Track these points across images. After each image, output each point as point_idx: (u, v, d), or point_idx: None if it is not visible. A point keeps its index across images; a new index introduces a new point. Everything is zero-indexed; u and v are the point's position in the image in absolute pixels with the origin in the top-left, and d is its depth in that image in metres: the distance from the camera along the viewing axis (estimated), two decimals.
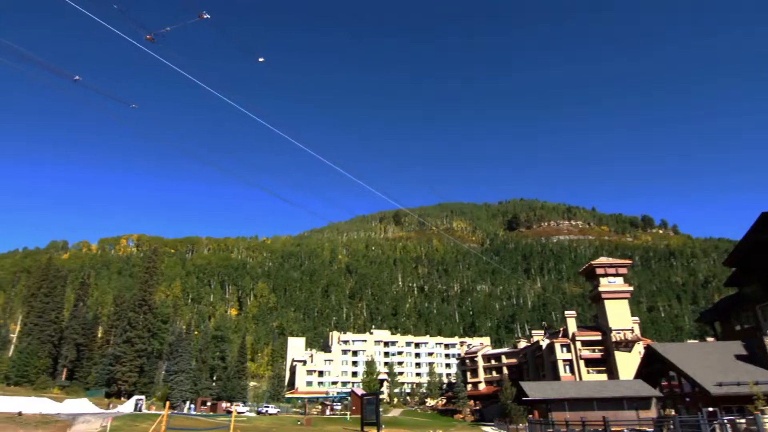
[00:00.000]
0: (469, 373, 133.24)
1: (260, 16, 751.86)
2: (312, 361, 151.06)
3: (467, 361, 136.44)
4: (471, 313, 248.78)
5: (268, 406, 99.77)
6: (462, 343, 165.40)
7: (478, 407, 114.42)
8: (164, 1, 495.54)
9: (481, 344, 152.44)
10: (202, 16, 16.49)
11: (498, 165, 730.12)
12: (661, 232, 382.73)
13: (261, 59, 21.75)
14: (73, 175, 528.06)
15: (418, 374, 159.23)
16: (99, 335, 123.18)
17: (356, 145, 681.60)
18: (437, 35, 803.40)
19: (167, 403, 67.21)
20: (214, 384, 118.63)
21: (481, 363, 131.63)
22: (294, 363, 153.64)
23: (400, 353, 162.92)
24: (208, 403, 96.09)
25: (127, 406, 73.01)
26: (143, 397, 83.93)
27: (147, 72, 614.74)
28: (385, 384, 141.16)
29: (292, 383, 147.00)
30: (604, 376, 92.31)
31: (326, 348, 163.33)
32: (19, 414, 50.07)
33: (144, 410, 71.79)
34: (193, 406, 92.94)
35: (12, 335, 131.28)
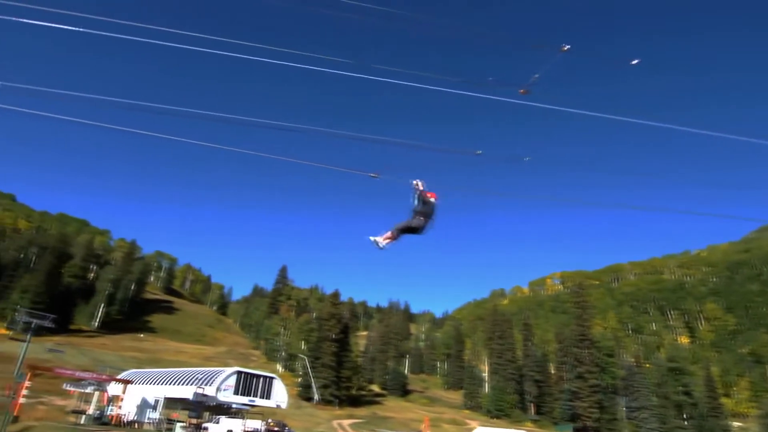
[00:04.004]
0: None
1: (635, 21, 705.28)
2: None
3: None
4: None
5: None
6: None
7: None
8: (523, 51, 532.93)
9: None
10: (564, 49, 15.77)
11: None
12: None
13: (634, 61, 19.29)
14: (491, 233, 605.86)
15: None
16: (551, 371, 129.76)
17: None
18: None
19: None
20: (685, 423, 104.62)
21: None
22: None
23: None
24: None
25: None
26: None
27: (526, 119, 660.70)
28: None
29: None
30: None
31: None
32: None
33: None
34: None
35: (483, 374, 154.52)
